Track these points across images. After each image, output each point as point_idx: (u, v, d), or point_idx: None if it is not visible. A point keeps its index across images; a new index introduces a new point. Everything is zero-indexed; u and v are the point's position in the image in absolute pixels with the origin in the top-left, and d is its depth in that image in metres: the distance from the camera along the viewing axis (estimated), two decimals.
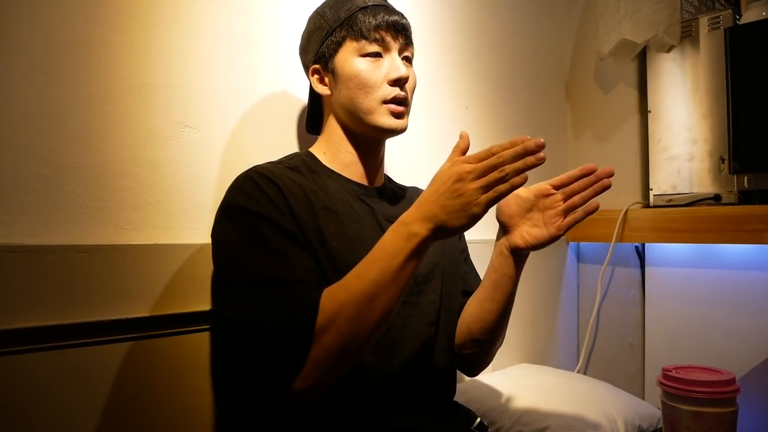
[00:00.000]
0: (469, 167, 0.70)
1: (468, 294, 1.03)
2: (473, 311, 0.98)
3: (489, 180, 0.69)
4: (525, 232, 0.90)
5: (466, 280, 1.06)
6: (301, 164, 0.93)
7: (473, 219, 0.70)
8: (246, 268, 0.78)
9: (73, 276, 0.84)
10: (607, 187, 0.85)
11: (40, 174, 0.84)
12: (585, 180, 0.88)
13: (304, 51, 1.02)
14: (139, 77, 0.95)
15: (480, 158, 0.71)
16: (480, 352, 1.00)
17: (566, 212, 0.88)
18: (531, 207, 0.90)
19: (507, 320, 0.98)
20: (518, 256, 0.92)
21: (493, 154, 0.70)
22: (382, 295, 0.72)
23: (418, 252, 0.72)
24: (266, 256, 0.79)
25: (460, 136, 0.77)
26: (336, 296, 0.74)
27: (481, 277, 1.01)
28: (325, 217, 0.86)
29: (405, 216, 0.74)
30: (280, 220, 0.81)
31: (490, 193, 0.69)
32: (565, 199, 0.88)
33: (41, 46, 0.85)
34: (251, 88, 1.11)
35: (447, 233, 0.72)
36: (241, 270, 0.79)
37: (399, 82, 0.92)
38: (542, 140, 0.69)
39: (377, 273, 0.72)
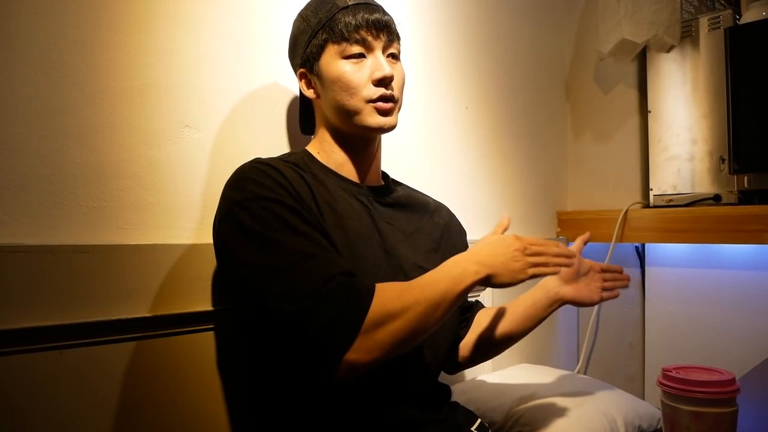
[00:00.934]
0: (529, 246, 0.87)
1: (469, 307, 1.14)
2: (493, 331, 1.09)
3: (539, 260, 0.87)
4: (578, 291, 1.07)
5: None
6: (299, 161, 0.94)
7: (517, 282, 0.85)
8: (286, 248, 0.78)
9: (73, 276, 0.84)
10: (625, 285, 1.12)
11: (41, 174, 0.84)
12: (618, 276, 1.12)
13: (291, 55, 1.02)
14: (140, 77, 0.95)
15: (533, 243, 0.88)
16: (478, 361, 1.13)
17: (604, 289, 1.09)
18: (586, 272, 1.09)
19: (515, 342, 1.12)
20: (558, 303, 1.07)
21: (542, 245, 0.89)
22: (442, 306, 0.81)
23: (471, 286, 0.83)
24: (299, 237, 0.80)
25: (504, 218, 1.00)
26: (411, 293, 0.81)
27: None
28: (327, 212, 0.87)
29: (471, 256, 0.86)
30: (296, 205, 0.82)
31: (536, 269, 0.86)
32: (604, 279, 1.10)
33: (42, 46, 0.85)
34: (251, 88, 1.11)
35: (493, 283, 0.85)
36: (282, 251, 0.78)
37: (383, 82, 0.92)
38: (575, 252, 0.94)
39: (443, 289, 0.82)
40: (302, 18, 0.97)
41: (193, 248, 0.97)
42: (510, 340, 1.09)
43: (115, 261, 0.89)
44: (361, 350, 0.76)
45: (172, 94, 0.99)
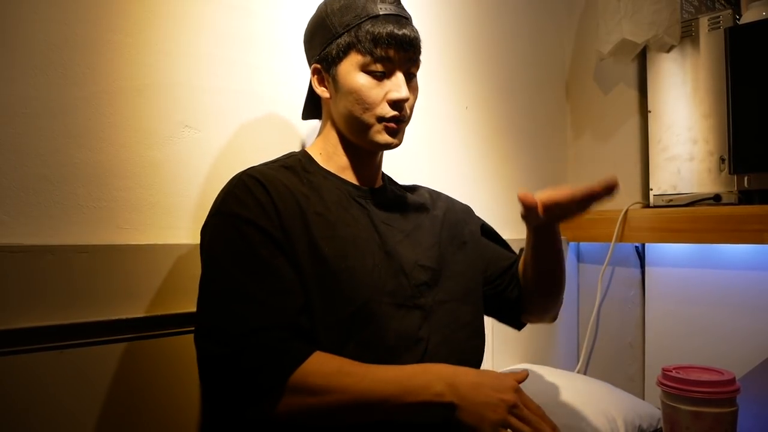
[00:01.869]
0: (522, 407, 0.76)
1: (508, 268, 1.08)
2: (526, 274, 1.04)
3: (520, 428, 0.74)
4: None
5: (498, 264, 1.09)
6: (297, 164, 0.93)
7: (481, 427, 0.74)
8: (236, 281, 0.79)
9: (73, 276, 0.84)
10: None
11: (40, 174, 0.84)
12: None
13: (308, 43, 0.99)
14: (139, 77, 0.95)
15: (529, 407, 0.76)
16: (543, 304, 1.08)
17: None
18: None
19: (555, 275, 1.04)
20: (539, 229, 0.96)
21: (535, 419, 0.75)
22: (376, 410, 0.76)
23: (424, 406, 0.76)
24: (256, 272, 0.80)
25: (523, 374, 0.83)
26: (345, 379, 0.76)
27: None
28: (317, 223, 0.86)
29: (449, 375, 0.78)
30: (268, 227, 0.82)
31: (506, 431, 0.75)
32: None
33: (42, 46, 0.85)
34: (251, 88, 1.11)
35: (454, 416, 0.75)
36: (231, 283, 0.79)
37: (399, 104, 0.91)
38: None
39: (387, 393, 0.76)
40: (326, 12, 0.93)
41: (193, 248, 0.97)
42: (550, 273, 1.02)
43: (115, 261, 0.89)
44: (265, 409, 0.75)
45: (172, 94, 0.99)
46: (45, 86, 0.85)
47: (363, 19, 0.89)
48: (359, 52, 0.89)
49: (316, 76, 0.96)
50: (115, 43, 0.92)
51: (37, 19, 0.85)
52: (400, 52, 0.90)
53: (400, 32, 0.89)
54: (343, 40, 0.90)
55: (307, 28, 0.99)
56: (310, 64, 0.98)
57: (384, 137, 0.92)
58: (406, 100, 0.91)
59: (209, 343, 0.76)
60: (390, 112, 0.91)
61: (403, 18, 0.92)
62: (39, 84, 0.85)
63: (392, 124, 0.91)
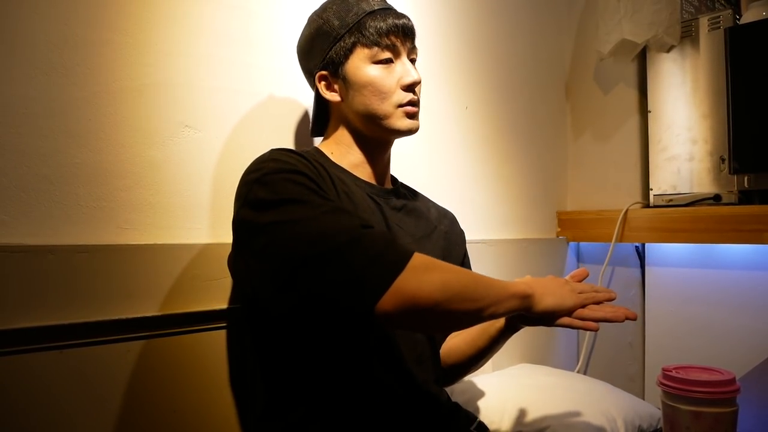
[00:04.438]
0: (578, 287, 0.88)
1: None
2: (453, 343, 1.05)
3: (585, 298, 0.85)
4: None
5: None
6: (312, 158, 0.93)
7: (564, 307, 0.83)
8: (314, 204, 0.76)
9: (73, 276, 0.84)
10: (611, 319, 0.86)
11: (41, 174, 0.84)
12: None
13: (306, 55, 1.00)
14: (139, 77, 0.95)
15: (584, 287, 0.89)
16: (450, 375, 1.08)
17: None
18: None
19: (477, 364, 1.05)
20: (509, 327, 0.97)
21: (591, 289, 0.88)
22: (491, 294, 0.78)
23: (520, 297, 0.81)
24: (324, 198, 0.78)
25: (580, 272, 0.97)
26: (456, 268, 0.79)
27: None
28: (345, 201, 0.88)
29: (520, 279, 0.85)
30: (317, 179, 0.82)
31: (586, 297, 0.85)
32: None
33: (42, 46, 0.85)
34: (251, 88, 1.11)
35: (551, 304, 0.83)
36: (310, 206, 0.75)
37: (412, 87, 0.94)
38: (631, 313, 0.83)
39: (491, 281, 0.80)
40: (321, 20, 0.96)
41: (192, 248, 0.97)
42: (466, 354, 1.03)
43: (115, 261, 0.89)
44: (410, 283, 0.70)
45: (172, 94, 0.99)
46: (45, 86, 0.85)
47: (362, 16, 0.93)
48: (365, 45, 0.92)
49: (323, 83, 0.97)
50: (115, 43, 0.92)
51: (37, 19, 0.85)
52: (401, 41, 0.95)
53: (400, 22, 0.94)
54: (347, 39, 0.93)
55: (301, 42, 1.01)
56: (311, 75, 0.99)
57: (406, 122, 0.95)
58: (419, 82, 0.95)
59: (321, 245, 0.71)
60: (406, 97, 0.94)
61: (397, 11, 0.96)
62: (39, 84, 0.85)
63: (410, 108, 0.95)
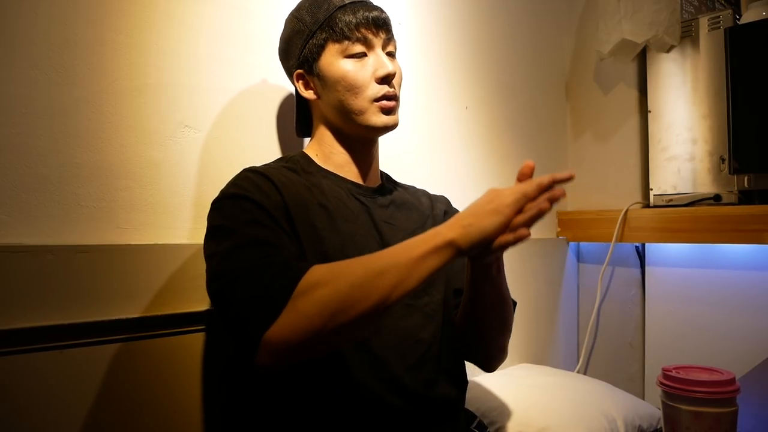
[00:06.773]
0: (506, 189, 0.73)
1: (459, 292, 0.99)
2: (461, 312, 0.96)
3: (515, 202, 0.72)
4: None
5: (459, 277, 1.00)
6: (296, 165, 0.93)
7: (503, 219, 0.71)
8: (239, 234, 0.78)
9: (73, 276, 0.84)
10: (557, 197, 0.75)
11: (40, 174, 0.85)
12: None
13: (285, 56, 1.00)
14: (139, 77, 0.95)
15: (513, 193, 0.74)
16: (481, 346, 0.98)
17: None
18: None
19: (493, 317, 0.94)
20: (475, 264, 0.87)
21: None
22: (390, 274, 0.70)
23: (438, 250, 0.71)
24: (256, 227, 0.79)
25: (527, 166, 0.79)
26: (350, 263, 0.74)
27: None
28: (320, 214, 0.86)
29: (440, 226, 0.74)
30: (270, 208, 0.81)
31: (513, 211, 0.71)
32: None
33: (42, 46, 0.85)
34: (251, 88, 1.11)
35: (477, 235, 0.71)
36: (234, 237, 0.78)
37: (387, 79, 0.92)
38: (557, 192, 0.72)
39: (394, 255, 0.73)
40: (296, 18, 0.96)
41: (192, 248, 0.97)
42: (467, 319, 0.94)
43: (114, 261, 0.89)
44: (285, 326, 0.70)
45: (172, 94, 0.99)
46: (45, 86, 0.85)
47: (333, 11, 0.92)
48: (336, 40, 0.92)
49: (300, 82, 0.97)
50: (115, 43, 0.92)
51: (37, 19, 0.85)
52: (374, 33, 0.93)
53: (371, 14, 0.92)
54: (318, 35, 0.93)
55: (280, 44, 1.02)
56: (291, 75, 1.00)
57: (381, 118, 0.92)
58: (394, 74, 0.92)
59: (217, 283, 0.76)
60: (381, 90, 0.92)
61: (369, 3, 0.95)
62: (39, 84, 0.85)
63: (386, 103, 0.92)
